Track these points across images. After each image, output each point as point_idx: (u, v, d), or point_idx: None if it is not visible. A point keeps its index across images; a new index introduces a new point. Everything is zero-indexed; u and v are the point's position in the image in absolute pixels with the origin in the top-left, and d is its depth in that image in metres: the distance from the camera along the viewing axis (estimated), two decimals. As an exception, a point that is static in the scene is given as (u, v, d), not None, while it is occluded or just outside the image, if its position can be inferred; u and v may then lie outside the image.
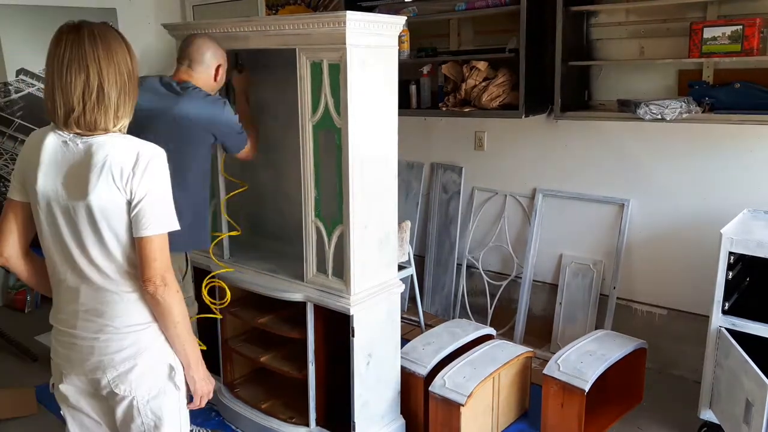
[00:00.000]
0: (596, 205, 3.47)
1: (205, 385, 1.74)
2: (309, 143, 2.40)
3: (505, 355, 2.84)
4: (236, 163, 2.95)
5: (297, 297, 2.55)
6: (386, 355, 2.62)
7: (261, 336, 2.91)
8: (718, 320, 2.54)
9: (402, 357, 2.76)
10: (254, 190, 3.04)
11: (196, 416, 2.99)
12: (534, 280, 3.73)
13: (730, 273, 2.51)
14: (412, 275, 3.60)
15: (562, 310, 3.59)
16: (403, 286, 2.66)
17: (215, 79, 2.54)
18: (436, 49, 3.80)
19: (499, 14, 3.42)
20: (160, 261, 1.55)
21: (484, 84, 3.42)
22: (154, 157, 1.55)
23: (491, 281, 3.91)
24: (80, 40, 1.54)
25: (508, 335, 3.73)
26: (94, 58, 1.53)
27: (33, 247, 1.70)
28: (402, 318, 2.80)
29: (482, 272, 3.92)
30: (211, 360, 3.04)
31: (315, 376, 2.60)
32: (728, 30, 2.75)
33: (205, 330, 3.06)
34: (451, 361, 2.79)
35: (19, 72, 4.46)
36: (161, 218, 1.55)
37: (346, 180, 2.32)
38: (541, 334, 3.69)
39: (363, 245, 2.42)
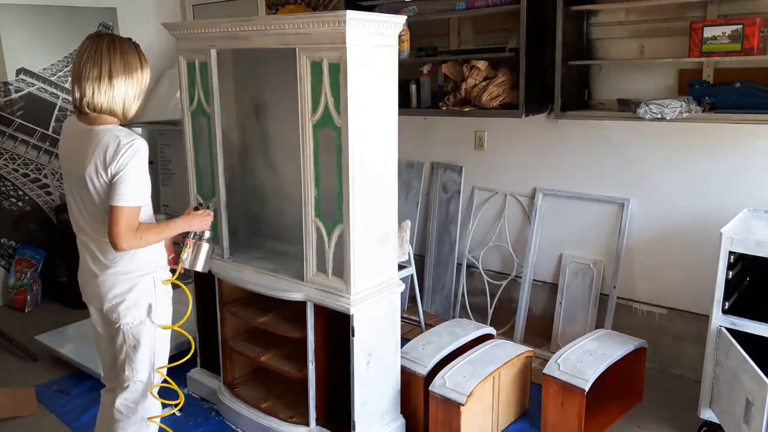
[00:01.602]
0: (596, 205, 3.47)
1: (198, 225, 2.27)
2: (309, 143, 2.40)
3: (505, 354, 2.84)
4: (235, 162, 2.96)
5: (297, 296, 2.55)
6: (386, 355, 2.62)
7: (261, 336, 2.91)
8: (718, 320, 2.54)
9: (402, 356, 2.76)
10: (254, 189, 3.04)
11: (196, 416, 2.99)
12: (534, 280, 3.73)
13: (730, 272, 2.51)
14: (412, 275, 3.60)
15: (562, 310, 3.59)
16: (403, 286, 2.66)
17: None
18: (436, 49, 3.80)
19: (499, 13, 3.42)
20: (118, 229, 1.97)
21: (484, 83, 3.42)
22: (129, 144, 1.98)
23: (491, 281, 3.91)
24: (99, 47, 2.02)
25: (508, 335, 3.73)
26: (109, 63, 2.01)
27: None
28: (402, 317, 2.80)
29: (482, 272, 3.92)
30: (211, 359, 3.07)
31: (315, 376, 2.60)
32: (728, 29, 2.75)
33: (205, 330, 3.07)
34: (451, 361, 2.79)
35: (19, 72, 4.46)
36: (126, 194, 1.97)
37: (346, 179, 2.32)
38: (541, 334, 3.69)
39: (363, 245, 2.42)
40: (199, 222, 2.29)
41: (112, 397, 2.29)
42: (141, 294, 2.14)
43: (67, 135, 2.16)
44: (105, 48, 2.01)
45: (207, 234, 2.33)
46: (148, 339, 2.19)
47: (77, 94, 2.03)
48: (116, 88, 2.02)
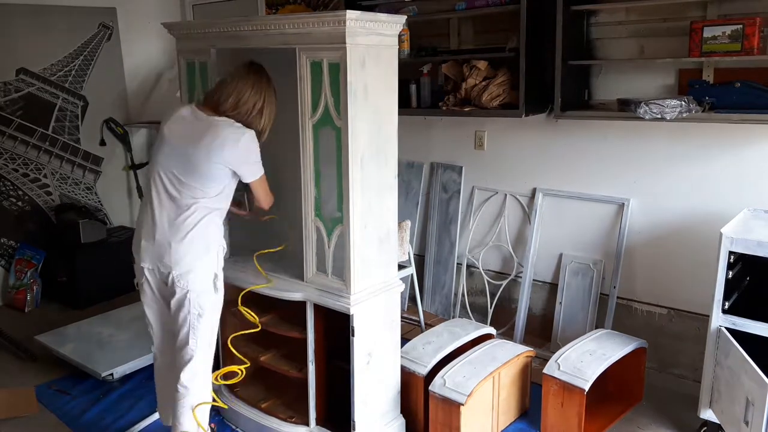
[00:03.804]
0: (596, 205, 3.47)
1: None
2: (309, 143, 2.40)
3: (505, 354, 2.85)
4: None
5: (297, 296, 2.55)
6: (386, 355, 2.62)
7: (261, 336, 2.90)
8: (718, 319, 2.54)
9: (402, 356, 2.76)
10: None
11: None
12: (534, 280, 3.73)
13: (730, 272, 2.51)
14: (412, 274, 3.60)
15: (562, 310, 3.59)
16: (403, 286, 2.66)
17: None
18: (436, 49, 3.80)
19: (499, 13, 3.42)
20: (264, 195, 2.50)
21: (484, 83, 3.42)
22: (247, 133, 2.35)
23: (491, 281, 3.91)
24: (248, 72, 2.41)
25: (508, 335, 3.73)
26: (250, 83, 2.38)
27: None
28: (402, 317, 2.80)
29: (482, 272, 3.92)
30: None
31: (315, 376, 2.60)
32: (728, 29, 2.75)
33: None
34: (451, 361, 2.79)
35: (19, 72, 4.46)
36: (256, 171, 2.41)
37: (346, 180, 2.32)
38: (541, 334, 3.69)
39: (363, 245, 2.42)
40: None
41: (174, 375, 2.47)
42: (207, 263, 2.38)
43: (183, 115, 2.40)
44: (266, 83, 2.41)
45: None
46: (212, 308, 2.43)
47: (222, 99, 2.35)
48: (264, 115, 2.41)
